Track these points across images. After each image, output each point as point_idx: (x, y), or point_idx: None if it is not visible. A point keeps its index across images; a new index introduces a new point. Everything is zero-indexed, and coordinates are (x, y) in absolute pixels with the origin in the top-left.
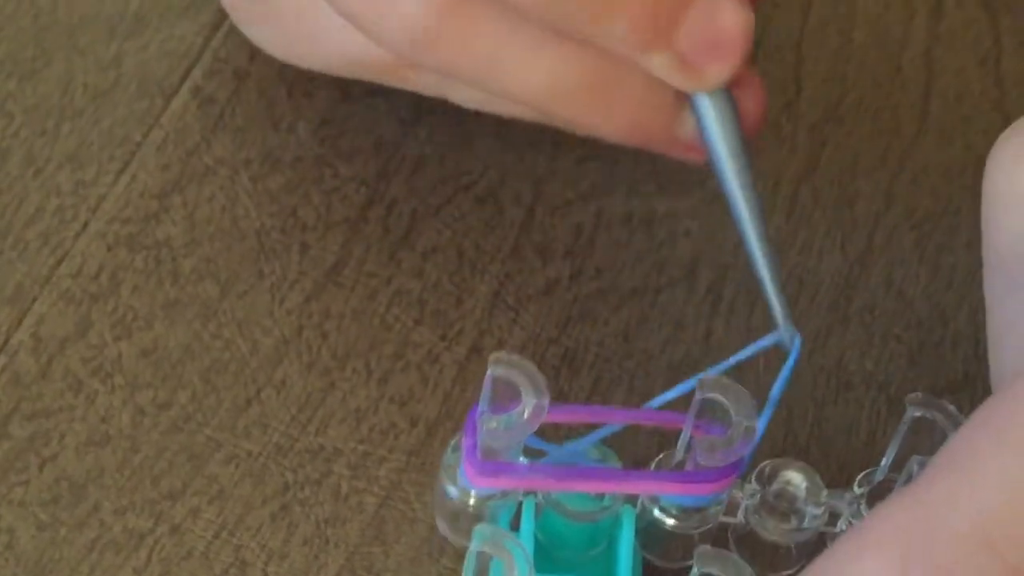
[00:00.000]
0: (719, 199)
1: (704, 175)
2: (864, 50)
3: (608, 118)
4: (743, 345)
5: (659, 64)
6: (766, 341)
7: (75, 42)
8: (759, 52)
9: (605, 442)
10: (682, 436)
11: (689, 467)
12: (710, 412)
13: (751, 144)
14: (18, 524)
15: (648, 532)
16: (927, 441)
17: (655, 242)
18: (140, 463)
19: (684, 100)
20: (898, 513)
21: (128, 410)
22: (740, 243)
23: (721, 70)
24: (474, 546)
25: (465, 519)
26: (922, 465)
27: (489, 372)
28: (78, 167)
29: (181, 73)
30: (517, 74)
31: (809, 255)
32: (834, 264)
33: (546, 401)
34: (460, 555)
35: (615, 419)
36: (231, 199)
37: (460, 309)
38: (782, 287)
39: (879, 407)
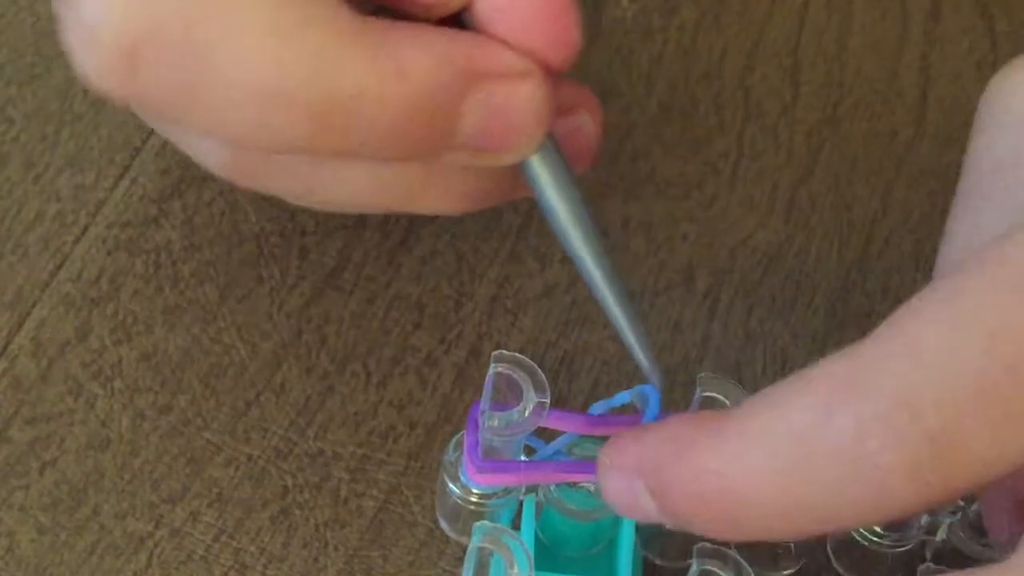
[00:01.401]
0: (716, 203)
1: (701, 177)
2: (860, 55)
3: (441, 200)
4: (741, 347)
5: (453, 161)
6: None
7: None
8: (755, 57)
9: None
10: None
11: None
12: (709, 409)
13: (581, 187)
14: (18, 528)
15: (648, 531)
16: None
17: (653, 246)
18: (140, 467)
19: None
20: (833, 363)
21: (128, 414)
22: (733, 250)
23: (520, 149)
24: (474, 542)
25: (466, 517)
26: None
27: (491, 370)
28: (78, 172)
29: None
30: (329, 190)
31: (806, 260)
32: (831, 269)
33: (547, 399)
34: (459, 558)
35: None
36: (230, 203)
37: (459, 313)
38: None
39: None
